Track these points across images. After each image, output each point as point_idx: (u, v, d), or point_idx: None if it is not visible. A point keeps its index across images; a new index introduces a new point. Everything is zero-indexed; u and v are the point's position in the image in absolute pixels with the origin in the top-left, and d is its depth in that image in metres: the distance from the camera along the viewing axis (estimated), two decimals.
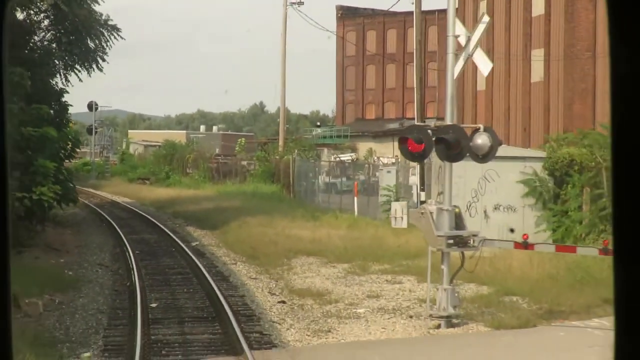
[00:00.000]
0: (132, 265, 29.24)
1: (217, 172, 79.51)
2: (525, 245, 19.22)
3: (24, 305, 21.31)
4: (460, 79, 56.80)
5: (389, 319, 21.07)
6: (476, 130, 19.51)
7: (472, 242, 19.47)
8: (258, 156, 75.67)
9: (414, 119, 71.24)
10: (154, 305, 22.83)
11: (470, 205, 29.64)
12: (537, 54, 47.03)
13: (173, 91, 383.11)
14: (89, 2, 41.15)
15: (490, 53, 54.68)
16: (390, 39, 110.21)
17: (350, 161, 72.51)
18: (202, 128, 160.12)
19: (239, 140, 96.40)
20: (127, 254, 32.70)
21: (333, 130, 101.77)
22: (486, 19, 20.49)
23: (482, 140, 19.28)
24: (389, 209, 37.26)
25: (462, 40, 19.84)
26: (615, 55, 2.36)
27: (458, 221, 19.77)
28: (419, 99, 37.95)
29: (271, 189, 62.42)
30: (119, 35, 42.32)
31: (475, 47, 19.39)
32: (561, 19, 44.71)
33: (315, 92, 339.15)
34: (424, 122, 39.66)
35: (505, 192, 29.59)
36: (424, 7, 42.79)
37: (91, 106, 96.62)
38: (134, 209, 55.20)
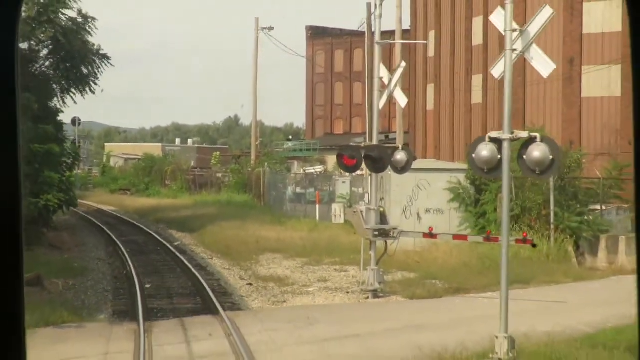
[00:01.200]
0: (126, 258, 35.24)
1: (193, 184, 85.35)
2: (431, 235, 25.40)
3: (47, 285, 27.28)
4: (412, 98, 63.22)
5: (331, 294, 27.20)
6: (396, 148, 25.71)
7: (392, 233, 25.61)
8: (232, 169, 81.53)
9: (382, 132, 77.36)
10: (148, 286, 28.84)
11: (406, 209, 35.78)
12: (477, 79, 53.37)
13: (148, 104, 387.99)
14: (83, 34, 47.04)
15: (437, 77, 61.13)
16: (357, 57, 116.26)
17: (318, 173, 78.34)
18: (178, 141, 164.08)
19: (215, 153, 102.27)
20: (119, 251, 38.69)
21: (303, 144, 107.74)
22: (403, 64, 26.75)
23: (400, 156, 25.47)
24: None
25: (386, 80, 26.03)
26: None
27: (382, 218, 25.92)
28: (369, 119, 43.85)
29: (244, 198, 68.33)
30: (108, 62, 48.23)
31: (395, 86, 25.62)
32: (496, 48, 51.16)
33: (289, 106, 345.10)
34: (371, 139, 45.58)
35: (434, 198, 35.73)
36: (386, 27, 48.75)
37: (74, 121, 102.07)
38: (120, 216, 61.03)
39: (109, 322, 22.63)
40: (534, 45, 17.08)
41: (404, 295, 26.34)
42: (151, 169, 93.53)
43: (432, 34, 61.54)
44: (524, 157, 16.87)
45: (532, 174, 17.17)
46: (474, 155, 17.14)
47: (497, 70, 17.74)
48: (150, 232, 47.64)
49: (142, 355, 17.56)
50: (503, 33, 17.24)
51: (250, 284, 29.69)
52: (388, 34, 58.52)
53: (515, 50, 17.06)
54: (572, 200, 33.43)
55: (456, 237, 26.50)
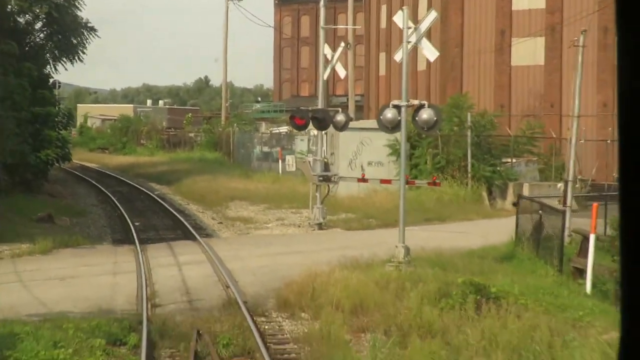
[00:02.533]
0: (116, 204, 41.87)
1: (168, 143, 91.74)
2: (363, 180, 32.21)
3: (57, 221, 33.92)
4: (367, 65, 69.84)
5: (286, 228, 34.05)
6: (337, 111, 32.43)
7: (333, 178, 32.39)
8: (204, 129, 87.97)
9: (342, 95, 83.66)
10: (137, 223, 35.52)
11: (351, 162, 42.50)
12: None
13: (118, 65, 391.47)
14: (72, 9, 53.33)
15: (388, 46, 67.66)
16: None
17: (284, 133, 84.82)
18: (149, 102, 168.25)
19: (187, 114, 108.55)
20: (109, 199, 45.28)
21: (270, 106, 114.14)
22: (342, 45, 33.42)
23: (340, 117, 32.17)
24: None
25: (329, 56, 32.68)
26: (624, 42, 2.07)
27: (326, 166, 32.67)
28: (323, 85, 50.34)
29: (215, 156, 74.86)
30: (95, 34, 54.57)
31: (336, 62, 32.28)
32: (438, 22, 57.87)
33: (259, 67, 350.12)
34: (329, 101, 52.04)
35: (376, 152, 42.43)
36: None
37: (55, 84, 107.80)
38: (103, 171, 67.49)
39: (113, 245, 29.35)
40: (424, 39, 23.77)
41: (343, 227, 33.20)
42: (127, 129, 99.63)
43: (384, 8, 68.12)
44: (417, 118, 23.62)
45: (422, 130, 23.97)
46: (381, 117, 23.87)
47: (398, 56, 24.42)
48: (133, 184, 54.18)
49: (142, 261, 24.29)
50: (402, 29, 23.88)
51: (221, 222, 36.45)
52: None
53: (410, 42, 23.73)
54: (486, 154, 40.32)
55: (383, 181, 33.23)
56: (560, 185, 31.75)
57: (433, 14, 23.95)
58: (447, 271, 21.62)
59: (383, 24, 68.74)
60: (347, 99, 78.17)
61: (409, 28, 23.61)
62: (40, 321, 16.93)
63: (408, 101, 23.68)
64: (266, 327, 18.26)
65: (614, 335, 16.12)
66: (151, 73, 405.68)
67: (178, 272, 23.60)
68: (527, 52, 54.21)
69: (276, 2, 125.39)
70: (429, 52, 24.10)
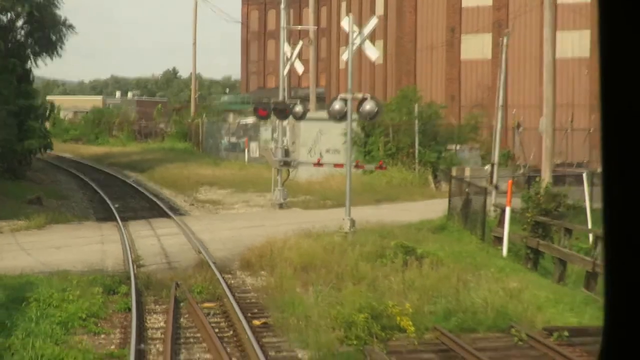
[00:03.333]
0: (95, 189, 45.70)
1: (139, 134, 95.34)
2: (319, 164, 36.26)
3: (45, 203, 37.73)
4: (328, 59, 73.81)
5: (251, 208, 38.05)
6: (295, 103, 36.44)
7: (292, 163, 36.41)
8: (173, 120, 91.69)
9: (307, 87, 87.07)
10: (117, 205, 39.39)
11: (311, 149, 46.53)
12: (378, 44, 64.10)
13: (86, 56, 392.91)
14: (52, 8, 56.95)
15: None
16: (289, 16, 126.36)
17: (250, 124, 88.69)
18: (118, 94, 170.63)
19: (157, 106, 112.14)
20: (88, 184, 49.08)
21: (238, 98, 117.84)
22: (300, 43, 37.43)
23: (298, 108, 36.19)
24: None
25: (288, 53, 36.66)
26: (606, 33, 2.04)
27: (286, 153, 36.68)
28: (283, 79, 54.35)
29: (185, 145, 78.63)
30: (73, 31, 58.20)
31: (294, 59, 36.28)
32: (394, 18, 61.98)
33: (226, 58, 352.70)
34: (295, 92, 56.00)
35: (333, 140, 46.44)
36: None
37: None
38: (78, 160, 71.11)
39: (97, 222, 33.28)
40: (367, 41, 27.81)
41: (301, 207, 37.27)
42: (99, 120, 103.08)
43: (344, 5, 72.22)
44: (360, 109, 27.67)
45: (366, 119, 28.02)
46: (330, 108, 27.91)
47: (344, 56, 28.45)
48: (109, 171, 57.97)
49: (125, 234, 28.23)
50: (347, 32, 27.89)
51: (192, 204, 40.42)
52: None
53: (355, 44, 27.76)
54: (432, 141, 44.48)
55: (336, 165, 37.24)
56: (487, 167, 35.89)
57: (374, 20, 27.99)
58: (385, 239, 25.68)
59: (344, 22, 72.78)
60: (313, 91, 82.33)
61: (354, 32, 27.63)
62: (48, 276, 20.87)
63: (353, 94, 27.72)
64: (232, 281, 22.28)
65: (510, 284, 20.33)
66: (119, 65, 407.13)
67: (157, 241, 27.58)
68: (476, 47, 58.38)
69: None
70: (371, 52, 28.15)
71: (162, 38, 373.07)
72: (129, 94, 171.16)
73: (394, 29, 62.02)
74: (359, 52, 28.38)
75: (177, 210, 37.55)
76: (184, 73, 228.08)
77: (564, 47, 57.36)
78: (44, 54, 57.93)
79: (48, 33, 57.44)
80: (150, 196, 42.05)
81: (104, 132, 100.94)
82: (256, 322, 18.06)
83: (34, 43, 57.23)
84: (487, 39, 57.85)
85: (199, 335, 17.37)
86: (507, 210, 26.41)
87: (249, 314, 18.60)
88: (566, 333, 16.84)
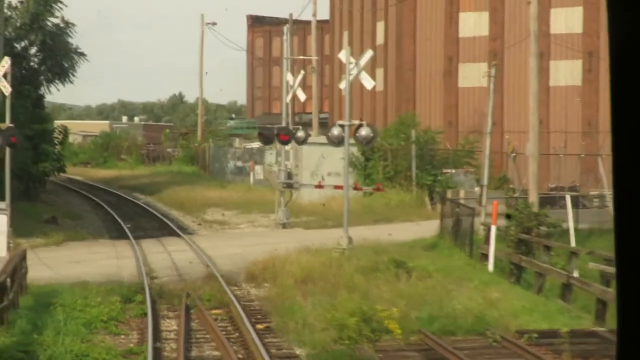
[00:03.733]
0: (108, 210, 47.84)
1: (147, 157, 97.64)
2: (320, 186, 38.38)
3: (60, 223, 39.88)
4: (331, 85, 76.02)
5: (256, 227, 40.15)
6: (298, 129, 38.59)
7: (294, 185, 38.52)
8: (181, 144, 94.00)
9: (311, 112, 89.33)
10: (129, 225, 41.52)
11: (313, 172, 48.64)
12: (379, 72, 66.50)
13: (93, 81, 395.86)
14: (64, 36, 59.33)
15: None
16: (293, 43, 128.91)
17: (256, 148, 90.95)
18: (125, 118, 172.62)
19: (165, 130, 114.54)
20: (100, 206, 51.22)
21: (243, 123, 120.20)
22: (302, 73, 39.61)
23: (300, 134, 38.35)
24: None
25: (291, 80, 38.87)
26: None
27: (289, 175, 38.82)
28: (286, 106, 56.61)
29: (192, 169, 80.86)
30: (85, 58, 60.55)
31: (296, 87, 38.47)
32: (393, 48, 64.29)
33: (232, 84, 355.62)
34: (300, 118, 58.13)
35: (335, 164, 48.51)
36: (320, 17, 61.68)
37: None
38: (89, 183, 73.29)
39: (111, 240, 35.40)
40: (363, 72, 29.98)
41: (303, 227, 39.36)
42: (108, 144, 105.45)
43: (345, 34, 74.63)
44: (357, 135, 29.81)
45: (362, 144, 30.18)
46: (329, 134, 30.06)
47: (342, 85, 30.62)
48: (119, 193, 60.12)
49: (137, 250, 30.33)
50: (345, 63, 30.05)
51: (200, 224, 42.55)
52: (320, 23, 72.15)
53: (352, 74, 29.94)
54: (428, 165, 46.63)
55: (336, 187, 39.33)
56: (477, 188, 37.99)
57: (369, 53, 30.18)
58: (380, 255, 27.73)
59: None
60: (316, 116, 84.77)
61: (351, 63, 29.83)
62: (70, 286, 22.96)
63: (350, 122, 29.90)
64: (238, 292, 24.37)
65: (491, 294, 22.38)
66: (126, 89, 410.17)
67: (168, 257, 29.70)
68: (473, 75, 60.53)
69: (249, 23, 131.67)
70: (367, 82, 30.32)
71: (168, 63, 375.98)
72: (136, 119, 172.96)
73: (393, 58, 64.29)
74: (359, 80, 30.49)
75: (185, 230, 39.64)
76: (190, 98, 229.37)
77: (557, 76, 59.63)
78: (57, 80, 60.25)
79: (60, 60, 59.76)
80: (160, 216, 44.17)
81: (112, 156, 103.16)
82: (259, 326, 20.12)
83: (47, 70, 59.55)
84: (483, 67, 59.84)
85: (208, 336, 19.45)
86: (493, 228, 28.46)
87: (253, 319, 20.66)
88: (535, 335, 18.88)
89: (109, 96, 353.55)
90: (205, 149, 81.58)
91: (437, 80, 61.64)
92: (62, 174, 57.78)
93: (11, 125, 30.36)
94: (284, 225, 38.76)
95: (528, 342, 18.53)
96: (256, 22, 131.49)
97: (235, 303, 21.97)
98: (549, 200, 46.33)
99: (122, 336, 19.14)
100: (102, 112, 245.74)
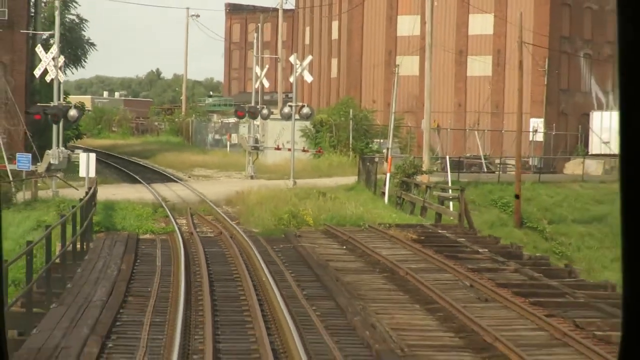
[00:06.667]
0: (119, 167, 62.60)
1: (136, 130, 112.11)
2: (278, 148, 53.22)
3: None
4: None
5: (230, 179, 55.04)
6: (263, 107, 53.35)
7: (260, 147, 53.39)
8: (167, 119, 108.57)
9: (283, 92, 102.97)
10: (138, 176, 56.16)
11: (276, 141, 63.37)
12: (334, 62, 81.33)
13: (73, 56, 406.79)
14: (78, 30, 73.86)
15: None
16: (266, 29, 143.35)
17: (232, 123, 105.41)
18: (106, 94, 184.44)
19: (151, 106, 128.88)
20: (111, 165, 65.93)
21: (221, 100, 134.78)
22: (267, 67, 54.36)
23: (264, 111, 53.08)
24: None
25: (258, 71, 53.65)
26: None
27: (256, 141, 53.65)
28: (255, 91, 71.17)
29: (177, 140, 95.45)
30: (95, 48, 75.09)
31: (262, 76, 53.26)
32: (345, 42, 79.17)
33: (209, 61, 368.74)
34: (272, 96, 72.82)
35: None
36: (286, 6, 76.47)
37: None
38: (93, 150, 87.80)
39: (131, 184, 50.25)
40: (305, 71, 44.75)
41: (265, 178, 54.26)
42: (101, 118, 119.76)
43: (307, 30, 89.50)
44: (300, 112, 44.68)
45: (304, 119, 45.18)
46: (281, 112, 44.89)
47: (291, 79, 45.43)
48: (121, 157, 74.77)
49: (151, 188, 45.11)
50: (294, 65, 44.83)
51: (190, 177, 57.37)
52: (289, 13, 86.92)
53: (297, 72, 44.72)
54: (362, 136, 61.58)
55: (289, 149, 53.97)
56: (384, 150, 52.89)
57: (309, 58, 45.02)
58: (312, 190, 42.60)
59: (307, 41, 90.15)
60: (281, 97, 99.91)
61: (297, 64, 44.62)
62: (119, 201, 37.77)
63: (296, 103, 44.75)
64: (219, 209, 39.26)
65: (374, 210, 37.33)
66: (103, 65, 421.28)
67: (173, 192, 44.57)
68: (408, 66, 75.42)
69: (227, 10, 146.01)
70: (308, 77, 45.13)
71: (147, 40, 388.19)
72: (116, 94, 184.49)
73: (345, 50, 79.21)
74: (321, 68, 45.12)
75: (180, 180, 54.47)
76: (166, 74, 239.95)
77: (473, 68, 74.68)
78: (72, 65, 74.78)
79: (75, 50, 74.34)
80: (160, 171, 58.95)
81: (105, 128, 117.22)
82: (233, 222, 35.08)
83: (65, 57, 73.94)
84: (416, 60, 74.92)
85: (204, 224, 34.42)
86: (387, 175, 43.43)
87: (229, 219, 35.60)
88: (388, 224, 33.80)
89: (86, 71, 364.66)
90: (189, 123, 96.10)
91: (379, 69, 76.50)
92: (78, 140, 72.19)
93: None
94: (252, 177, 53.62)
95: (382, 227, 33.45)
96: (234, 10, 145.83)
97: (219, 212, 36.95)
98: (459, 164, 61.24)
99: (156, 223, 34.05)
100: (81, 86, 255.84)
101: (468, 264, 25.07)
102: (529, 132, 69.66)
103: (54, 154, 39.44)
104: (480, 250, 27.87)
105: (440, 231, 32.76)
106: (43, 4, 71.45)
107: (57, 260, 22.95)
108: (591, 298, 20.78)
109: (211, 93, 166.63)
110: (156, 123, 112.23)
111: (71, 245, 24.80)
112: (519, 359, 15.54)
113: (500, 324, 18.06)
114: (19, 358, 14.96)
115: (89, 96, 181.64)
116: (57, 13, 43.85)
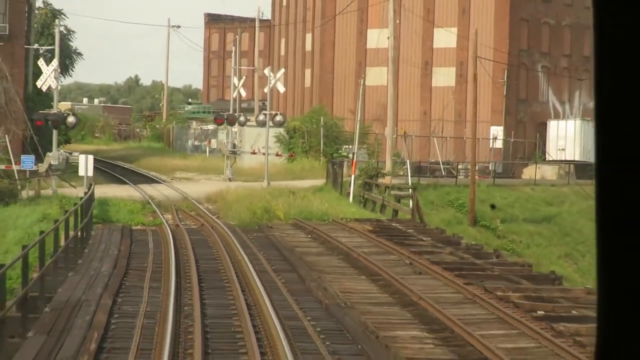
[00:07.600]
0: (105, 170, 67.17)
1: (119, 135, 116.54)
2: (253, 152, 57.91)
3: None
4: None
5: (210, 181, 59.73)
6: (240, 115, 58.05)
7: (237, 152, 58.10)
8: (149, 125, 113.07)
9: (260, 100, 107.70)
10: (125, 178, 60.71)
11: (252, 146, 68.04)
12: (308, 72, 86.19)
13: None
14: (66, 40, 78.34)
15: (286, 69, 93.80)
16: (244, 39, 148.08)
17: (211, 129, 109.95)
18: (85, 100, 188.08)
19: (132, 113, 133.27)
20: (97, 168, 70.39)
21: (200, 107, 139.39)
22: (244, 78, 59.08)
23: (241, 118, 57.81)
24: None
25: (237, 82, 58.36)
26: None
27: (234, 146, 58.36)
28: (233, 100, 75.86)
29: (159, 145, 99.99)
30: (81, 57, 79.62)
31: (240, 86, 57.91)
32: (318, 54, 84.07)
33: (188, 69, 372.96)
34: (249, 104, 77.60)
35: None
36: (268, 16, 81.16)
37: None
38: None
39: (119, 184, 54.86)
40: (279, 82, 49.49)
41: (242, 180, 58.96)
42: (84, 124, 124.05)
43: (283, 41, 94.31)
44: (274, 119, 49.44)
45: (277, 126, 49.98)
46: (257, 119, 49.63)
47: (266, 89, 50.22)
48: (106, 161, 79.29)
49: (139, 189, 49.73)
50: (268, 77, 49.55)
51: (172, 179, 62.01)
52: (267, 22, 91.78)
53: (272, 83, 49.47)
54: (332, 142, 66.36)
55: (264, 154, 58.60)
56: (351, 155, 57.70)
57: (282, 70, 49.73)
58: (284, 190, 47.35)
59: (283, 52, 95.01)
60: (257, 105, 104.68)
61: (271, 76, 49.35)
62: (111, 198, 42.38)
63: (271, 113, 49.46)
64: (200, 206, 43.92)
65: (338, 207, 42.13)
66: (82, 72, 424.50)
67: (158, 192, 49.22)
68: (377, 77, 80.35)
69: (206, 20, 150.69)
70: (281, 88, 49.83)
71: (124, 47, 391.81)
72: (96, 101, 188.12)
73: (318, 61, 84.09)
74: (295, 78, 49.62)
75: (164, 181, 59.10)
76: (145, 81, 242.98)
77: (437, 79, 79.68)
78: (60, 74, 79.14)
79: (64, 60, 78.74)
80: (144, 174, 63.56)
81: (88, 134, 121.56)
82: (213, 216, 39.74)
83: None
84: (384, 70, 79.77)
85: (187, 219, 39.10)
86: (352, 177, 48.20)
87: (210, 213, 40.29)
88: (349, 218, 38.51)
89: (65, 78, 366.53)
90: (170, 130, 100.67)
91: (350, 79, 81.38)
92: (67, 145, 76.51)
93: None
94: (230, 179, 58.30)
95: (343, 221, 38.18)
96: (212, 20, 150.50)
97: (201, 208, 41.68)
98: (421, 169, 66.04)
99: (146, 217, 38.69)
100: (61, 93, 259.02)
101: (412, 248, 29.85)
102: (489, 139, 74.72)
103: (54, 156, 44.01)
104: (424, 238, 32.70)
105: (394, 224, 37.57)
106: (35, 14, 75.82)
107: (70, 245, 27.54)
108: (505, 272, 25.63)
109: (190, 100, 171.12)
110: (138, 129, 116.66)
111: (79, 232, 29.43)
112: (434, 311, 20.32)
113: (427, 289, 22.83)
114: (50, 308, 19.59)
115: (69, 103, 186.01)
116: (57, 30, 47.98)
